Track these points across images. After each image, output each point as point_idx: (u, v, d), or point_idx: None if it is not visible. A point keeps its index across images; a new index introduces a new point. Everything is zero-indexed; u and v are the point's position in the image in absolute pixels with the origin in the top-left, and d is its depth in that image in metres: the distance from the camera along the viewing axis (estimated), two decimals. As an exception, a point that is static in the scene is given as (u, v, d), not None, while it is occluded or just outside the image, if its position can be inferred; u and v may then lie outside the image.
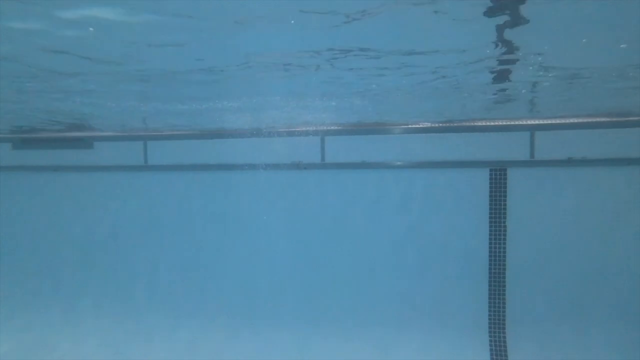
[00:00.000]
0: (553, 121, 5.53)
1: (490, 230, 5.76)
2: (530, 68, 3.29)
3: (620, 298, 5.49)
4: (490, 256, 5.77)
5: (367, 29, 2.44)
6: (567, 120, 5.48)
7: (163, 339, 6.42)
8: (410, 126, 5.89)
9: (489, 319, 5.79)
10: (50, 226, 6.95)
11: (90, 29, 2.45)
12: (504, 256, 5.73)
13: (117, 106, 4.73)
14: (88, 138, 6.73)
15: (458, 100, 4.48)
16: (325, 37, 2.61)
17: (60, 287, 6.91)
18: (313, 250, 6.22)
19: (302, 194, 6.22)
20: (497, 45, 2.74)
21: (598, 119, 5.39)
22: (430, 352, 5.81)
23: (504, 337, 5.73)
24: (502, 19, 2.31)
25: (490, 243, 5.77)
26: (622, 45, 2.78)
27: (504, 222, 5.71)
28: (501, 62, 3.13)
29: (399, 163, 5.96)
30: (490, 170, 5.73)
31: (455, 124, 5.76)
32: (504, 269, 5.74)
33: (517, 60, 3.08)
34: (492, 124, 5.68)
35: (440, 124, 5.80)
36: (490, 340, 5.75)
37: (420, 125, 5.87)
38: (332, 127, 6.09)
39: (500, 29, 2.45)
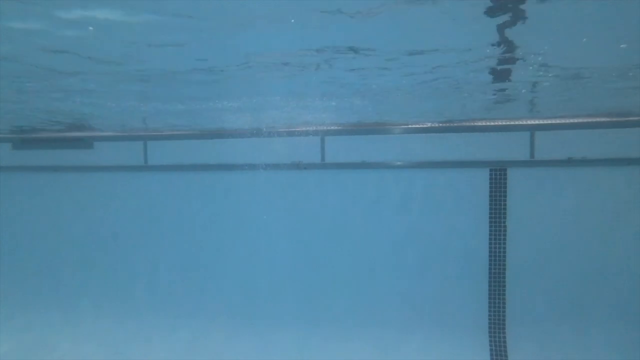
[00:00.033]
0: (553, 121, 5.53)
1: (490, 231, 5.76)
2: (531, 68, 3.29)
3: (620, 298, 5.50)
4: (490, 256, 5.77)
5: (367, 28, 2.44)
6: (567, 120, 5.48)
7: (163, 339, 6.42)
8: (410, 126, 5.89)
9: (489, 319, 5.79)
10: (50, 226, 6.95)
11: (90, 28, 2.45)
12: (504, 256, 5.73)
13: (117, 106, 4.73)
14: (88, 138, 6.73)
15: (458, 100, 4.47)
16: (325, 37, 2.61)
17: (60, 287, 6.91)
18: (313, 250, 6.22)
19: (302, 194, 6.22)
20: (497, 45, 2.74)
21: (598, 119, 5.39)
22: (430, 352, 5.81)
23: (504, 337, 5.73)
24: (502, 18, 2.31)
25: (490, 243, 5.77)
26: (622, 45, 2.78)
27: (504, 222, 5.71)
28: (501, 62, 3.13)
29: (399, 163, 5.96)
30: (490, 170, 5.73)
31: (455, 124, 5.77)
32: (504, 269, 5.74)
33: (517, 60, 3.08)
34: (492, 124, 5.68)
35: (440, 124, 5.80)
36: (490, 340, 5.75)
37: (420, 125, 5.87)
38: (332, 127, 6.09)
39: (500, 28, 2.45)
